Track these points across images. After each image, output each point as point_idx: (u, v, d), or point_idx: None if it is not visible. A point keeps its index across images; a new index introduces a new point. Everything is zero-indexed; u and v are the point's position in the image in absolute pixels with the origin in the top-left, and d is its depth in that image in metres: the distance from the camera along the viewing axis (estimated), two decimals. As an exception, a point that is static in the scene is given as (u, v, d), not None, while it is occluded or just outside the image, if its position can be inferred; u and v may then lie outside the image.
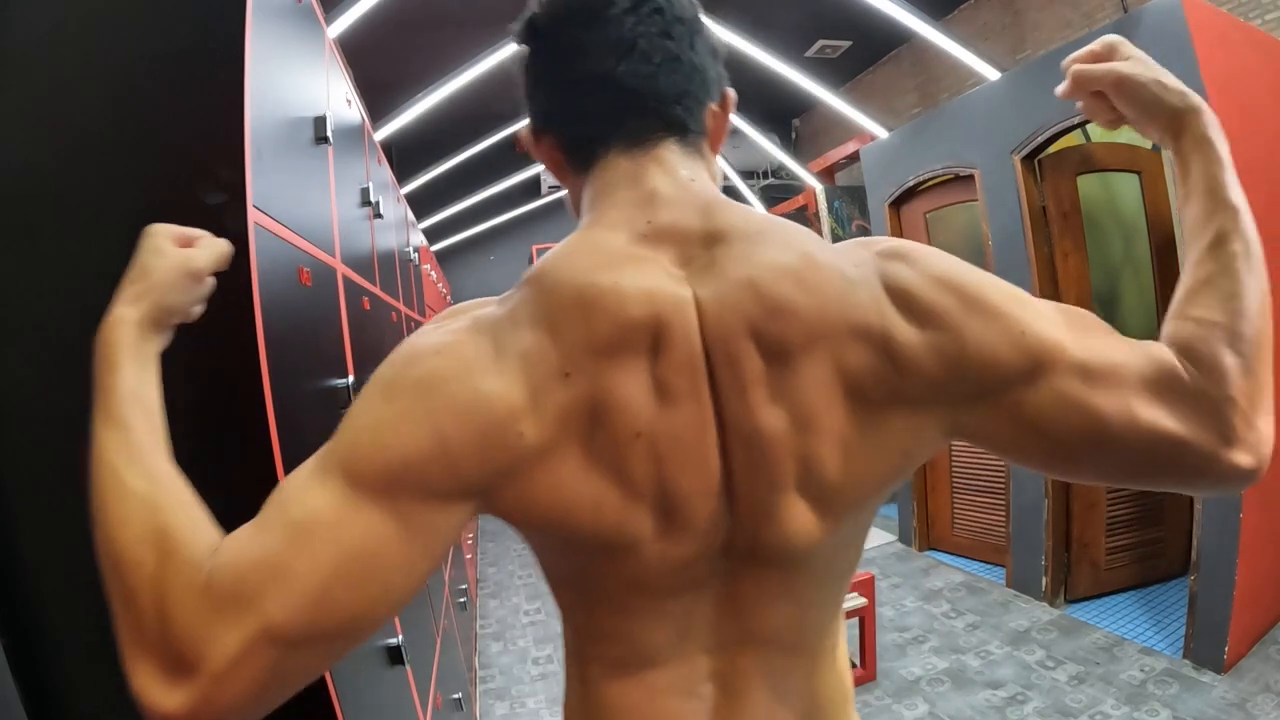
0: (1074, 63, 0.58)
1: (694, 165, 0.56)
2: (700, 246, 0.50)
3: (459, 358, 0.46)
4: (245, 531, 0.44)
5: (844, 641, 0.61)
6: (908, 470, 0.52)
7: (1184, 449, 0.46)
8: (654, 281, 0.48)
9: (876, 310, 0.48)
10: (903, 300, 0.48)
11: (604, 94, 0.54)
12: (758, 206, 4.47)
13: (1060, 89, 0.59)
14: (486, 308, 0.51)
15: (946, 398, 0.49)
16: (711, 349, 0.47)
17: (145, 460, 0.46)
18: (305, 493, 0.44)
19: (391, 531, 0.44)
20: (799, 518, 0.49)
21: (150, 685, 0.40)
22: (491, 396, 0.45)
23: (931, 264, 0.50)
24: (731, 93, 0.60)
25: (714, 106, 0.59)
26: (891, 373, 0.48)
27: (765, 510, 0.49)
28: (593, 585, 0.54)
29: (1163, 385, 0.46)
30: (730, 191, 3.93)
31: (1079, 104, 0.60)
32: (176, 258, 0.55)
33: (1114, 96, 0.57)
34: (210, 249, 0.58)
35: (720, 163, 0.63)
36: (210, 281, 0.59)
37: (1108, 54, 0.57)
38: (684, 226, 0.51)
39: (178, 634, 0.40)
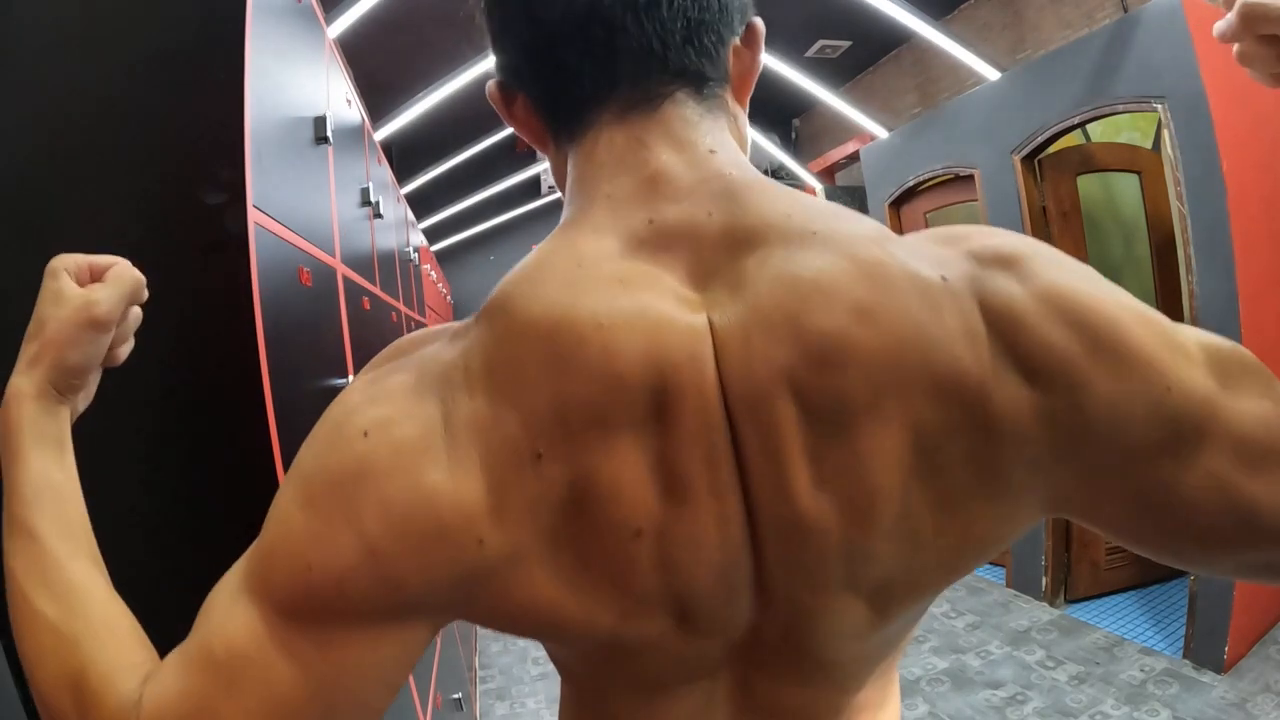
0: None
1: (715, 128, 0.42)
2: (723, 253, 0.37)
3: (394, 440, 0.35)
4: (171, 669, 0.37)
5: (891, 709, 0.50)
6: (987, 558, 0.39)
7: None
8: (651, 315, 0.35)
9: (972, 353, 0.34)
10: (1009, 339, 0.35)
11: (587, 35, 0.40)
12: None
13: (1221, 27, 0.39)
14: (435, 345, 0.39)
15: (1052, 473, 0.36)
16: (735, 408, 0.35)
17: (57, 576, 0.39)
18: (227, 619, 0.36)
19: (329, 667, 0.35)
20: (845, 616, 0.38)
21: None
22: (437, 496, 0.34)
23: (1049, 279, 0.36)
24: (759, 23, 0.45)
25: (737, 42, 0.44)
26: (982, 445, 0.35)
27: (804, 609, 0.38)
28: (602, 681, 0.46)
29: None
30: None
31: (1236, 49, 0.40)
32: (74, 304, 0.43)
33: None
34: (115, 285, 0.45)
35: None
36: (135, 314, 0.49)
37: None
38: (701, 226, 0.37)
39: None
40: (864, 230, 0.37)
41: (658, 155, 0.40)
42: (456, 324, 0.40)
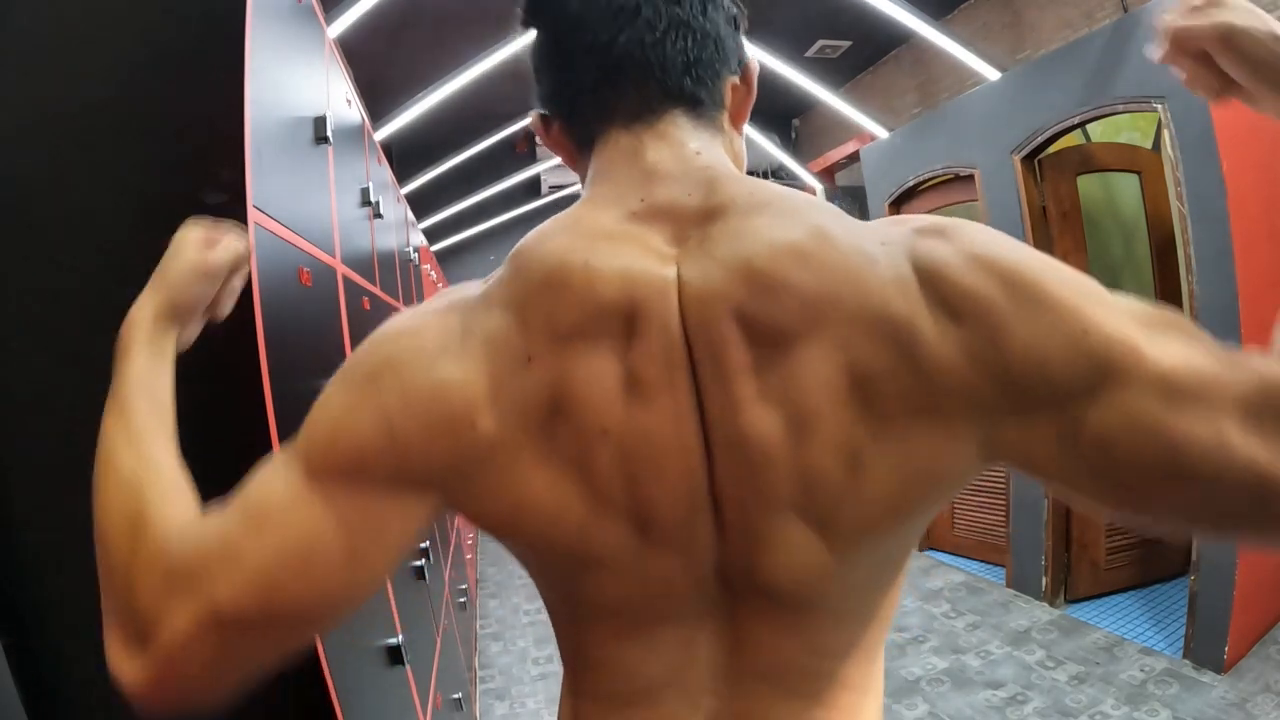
0: (1172, 19, 0.48)
1: (705, 139, 0.50)
2: (697, 224, 0.45)
3: (420, 341, 0.45)
4: (212, 515, 0.45)
5: (873, 698, 0.51)
6: (934, 498, 0.43)
7: None
8: (630, 261, 0.43)
9: (901, 295, 0.40)
10: (933, 284, 0.40)
11: (603, 66, 0.50)
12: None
13: (1155, 52, 0.48)
14: (470, 287, 0.49)
15: (983, 411, 0.40)
16: (693, 336, 0.42)
17: (140, 444, 0.48)
18: (266, 480, 0.45)
19: (339, 521, 0.43)
20: (799, 544, 0.42)
21: (117, 655, 0.42)
22: (447, 384, 0.43)
23: (975, 241, 0.41)
24: (754, 63, 0.54)
25: (734, 80, 0.53)
26: (913, 376, 0.40)
27: (758, 532, 0.43)
28: (577, 607, 0.50)
29: (1270, 409, 0.36)
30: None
31: (1177, 71, 0.49)
32: (191, 258, 0.57)
33: (1221, 56, 0.47)
34: (224, 250, 0.59)
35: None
36: (235, 285, 0.63)
37: (1207, 3, 0.47)
38: (681, 204, 0.46)
39: (139, 610, 0.42)
40: (814, 205, 0.45)
41: (653, 153, 0.49)
42: (473, 288, 0.49)
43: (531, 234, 0.47)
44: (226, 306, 0.63)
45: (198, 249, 0.58)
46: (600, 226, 0.45)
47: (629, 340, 0.42)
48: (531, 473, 0.43)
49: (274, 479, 0.44)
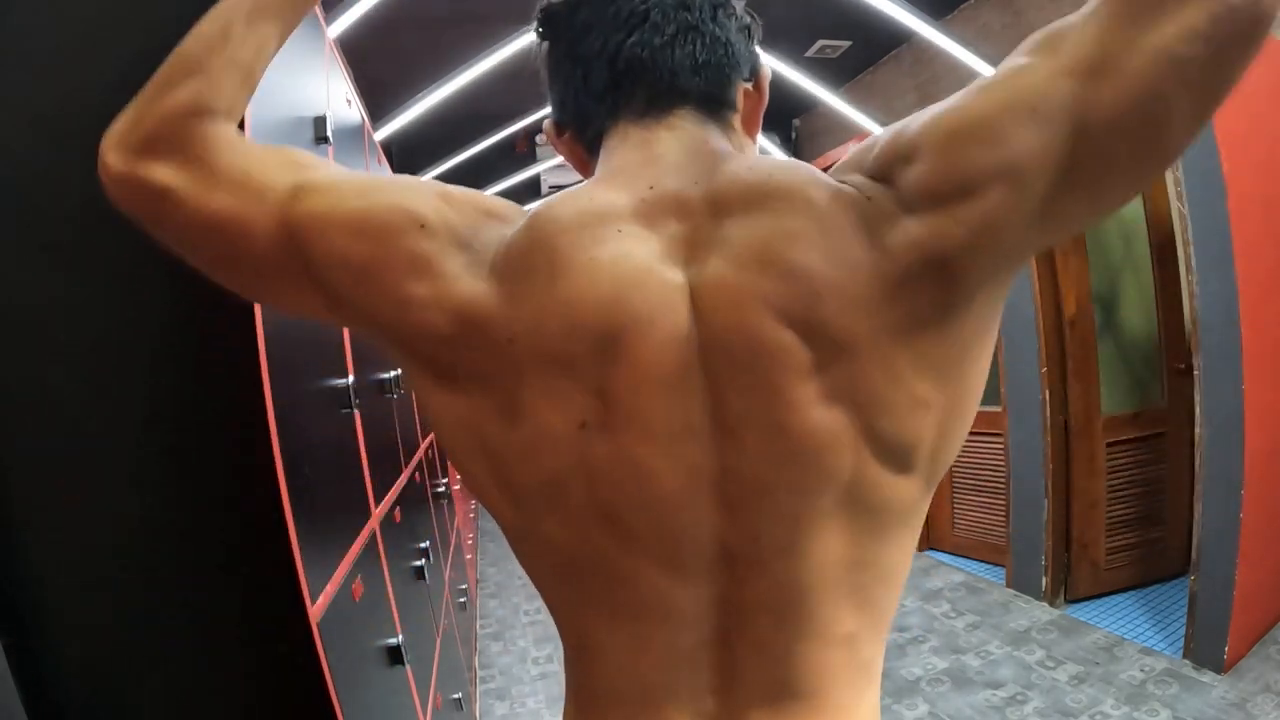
0: None
1: (715, 133, 0.51)
2: (707, 218, 0.45)
3: (428, 248, 0.45)
4: (233, 139, 0.48)
5: (871, 692, 0.51)
6: (986, 358, 0.47)
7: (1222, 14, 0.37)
8: (635, 264, 0.44)
9: (910, 244, 0.42)
10: (930, 198, 0.42)
11: (613, 70, 0.51)
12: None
13: None
14: (498, 227, 0.48)
15: (1011, 247, 0.43)
16: (713, 345, 0.43)
17: (256, 20, 0.49)
18: (276, 178, 0.47)
19: (269, 257, 0.46)
20: (833, 535, 0.45)
21: (113, 134, 0.48)
22: (419, 300, 0.45)
23: (926, 135, 0.43)
24: (767, 71, 0.56)
25: (746, 86, 0.54)
26: (948, 286, 0.42)
27: (782, 527, 0.44)
28: (566, 598, 0.50)
29: (1135, 5, 0.38)
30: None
31: None
32: None
33: None
34: None
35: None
36: None
37: None
38: (688, 195, 0.46)
39: (147, 129, 0.47)
40: (806, 176, 0.45)
41: (662, 142, 0.50)
42: (517, 211, 0.50)
43: (549, 200, 0.48)
44: None
45: None
46: (612, 215, 0.46)
47: (615, 350, 0.43)
48: (484, 425, 0.46)
49: (276, 183, 0.47)
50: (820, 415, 0.42)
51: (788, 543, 0.44)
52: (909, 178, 0.43)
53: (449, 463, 2.85)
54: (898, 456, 0.44)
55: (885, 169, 0.44)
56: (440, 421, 0.48)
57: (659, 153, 0.49)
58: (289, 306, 0.51)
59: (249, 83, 0.50)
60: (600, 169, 0.52)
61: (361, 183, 0.48)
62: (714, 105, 0.52)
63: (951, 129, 0.42)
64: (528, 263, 0.44)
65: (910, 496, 0.46)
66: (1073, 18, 0.41)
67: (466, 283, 0.45)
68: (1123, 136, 0.39)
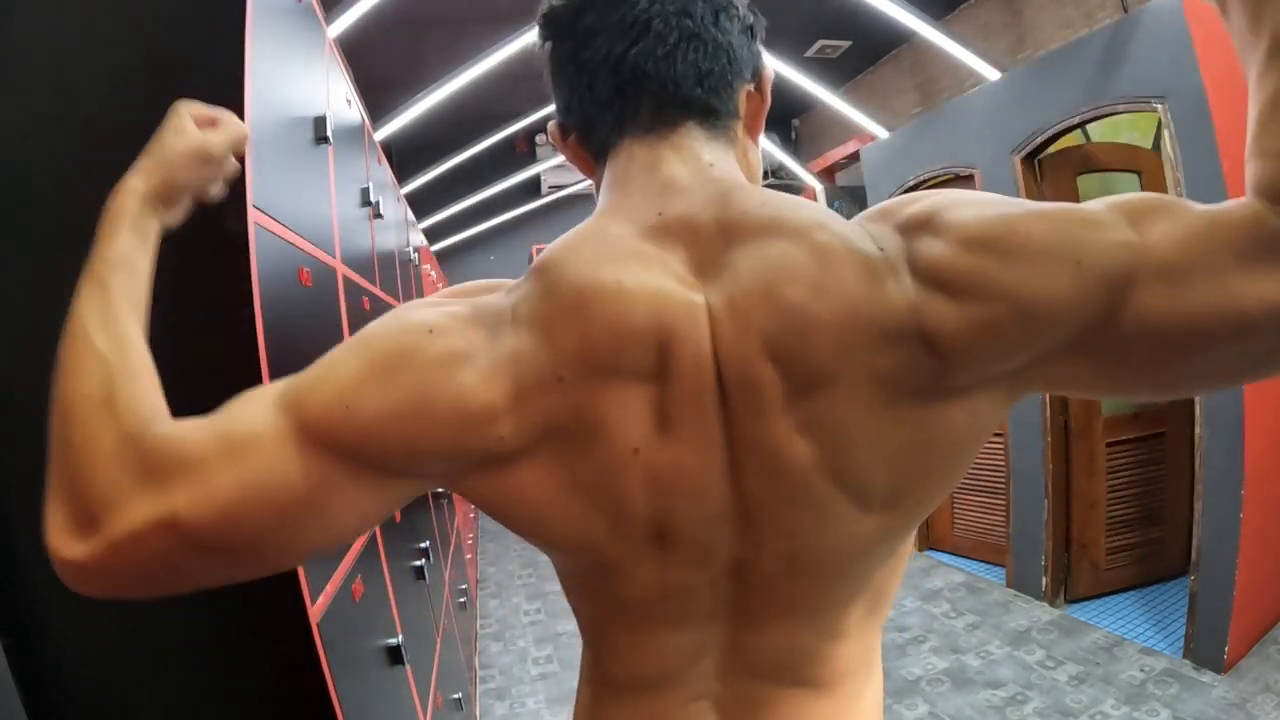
0: None
1: (719, 150, 0.52)
2: (716, 242, 0.45)
3: (450, 343, 0.44)
4: (191, 424, 0.44)
5: (874, 685, 0.55)
6: (971, 454, 0.46)
7: None
8: (660, 283, 0.44)
9: (907, 305, 0.42)
10: (936, 281, 0.42)
11: (617, 79, 0.51)
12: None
13: None
14: (493, 295, 0.48)
15: (1009, 369, 0.42)
16: (724, 365, 0.43)
17: (115, 322, 0.47)
18: (254, 415, 0.44)
19: (319, 483, 0.43)
20: (831, 522, 0.45)
21: (57, 532, 0.42)
22: (470, 392, 0.43)
23: (963, 225, 0.42)
24: (769, 72, 0.55)
25: (748, 88, 0.54)
26: (937, 365, 0.42)
27: (784, 526, 0.45)
28: (592, 597, 0.53)
29: (1260, 247, 0.37)
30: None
31: None
32: (192, 138, 0.56)
33: None
34: (226, 133, 0.58)
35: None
36: (232, 165, 0.61)
37: None
38: (698, 219, 0.46)
39: (94, 492, 0.41)
40: (819, 218, 0.45)
41: (669, 165, 0.50)
42: (510, 281, 0.49)
43: (558, 245, 0.47)
44: (218, 189, 0.61)
45: (197, 129, 0.56)
46: (624, 242, 0.46)
47: (661, 363, 0.43)
48: (551, 482, 0.45)
49: (262, 417, 0.43)
50: (797, 444, 0.43)
51: (786, 551, 0.46)
52: (927, 250, 0.42)
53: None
54: (856, 495, 0.44)
55: (912, 230, 0.44)
56: (517, 502, 0.46)
57: (666, 177, 0.49)
58: (365, 514, 0.46)
59: (148, 376, 0.47)
60: (606, 195, 0.52)
61: (341, 352, 0.45)
62: (717, 116, 0.52)
63: (988, 232, 0.41)
64: (555, 303, 0.44)
65: (869, 532, 0.46)
66: (1189, 204, 0.40)
67: (500, 342, 0.44)
68: (1150, 345, 0.39)
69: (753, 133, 0.56)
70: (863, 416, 0.42)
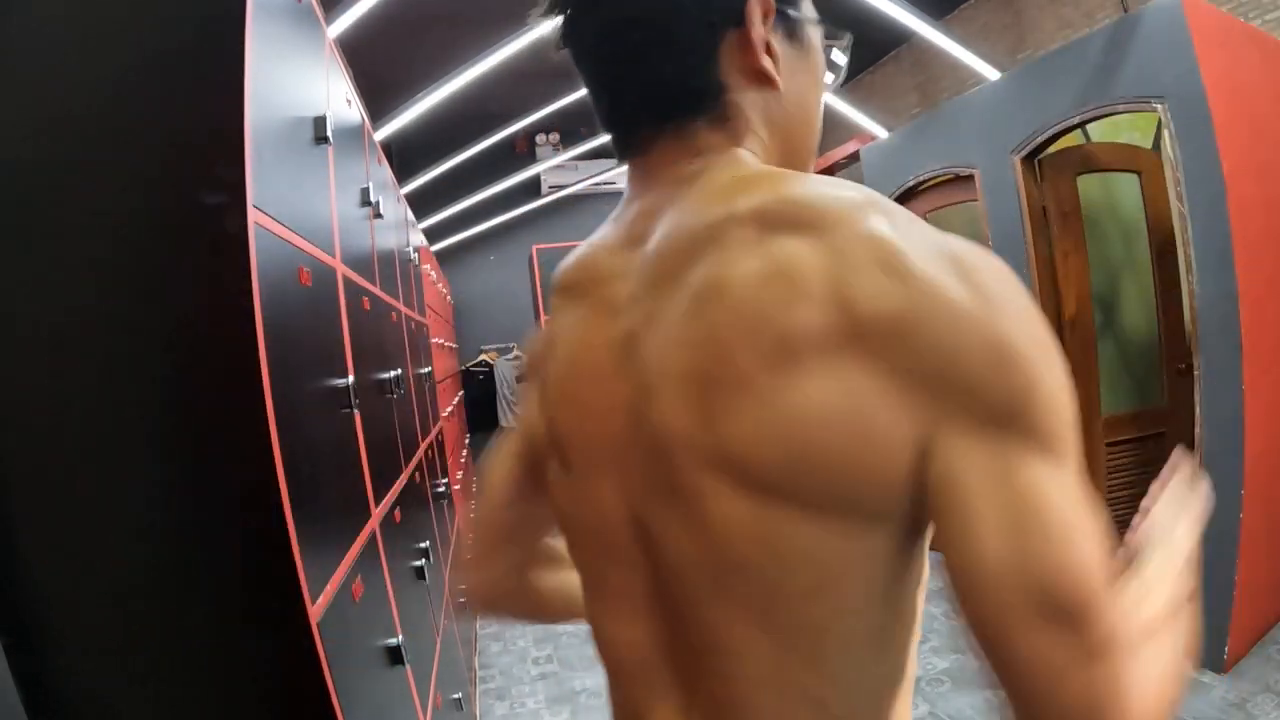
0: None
1: (694, 155, 0.49)
2: (650, 272, 0.47)
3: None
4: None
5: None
6: (860, 451, 0.40)
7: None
8: (593, 326, 0.51)
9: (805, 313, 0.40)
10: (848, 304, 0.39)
11: (598, 102, 0.53)
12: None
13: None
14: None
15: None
16: (639, 396, 0.46)
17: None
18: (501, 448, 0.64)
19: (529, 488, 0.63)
20: (709, 497, 0.43)
21: None
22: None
23: (874, 298, 0.39)
24: (750, 11, 0.47)
25: (731, 36, 0.47)
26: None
27: (680, 489, 0.45)
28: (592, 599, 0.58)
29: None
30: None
31: None
32: None
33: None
34: None
35: None
36: None
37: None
38: (630, 257, 0.50)
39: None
40: (733, 235, 0.43)
41: (639, 190, 0.53)
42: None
43: (563, 269, 0.57)
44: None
45: None
46: (596, 270, 0.53)
47: (592, 393, 0.50)
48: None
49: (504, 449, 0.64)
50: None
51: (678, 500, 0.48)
52: (811, 312, 0.39)
53: (447, 463, 2.85)
54: (742, 476, 0.42)
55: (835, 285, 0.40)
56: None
57: (628, 209, 0.53)
58: None
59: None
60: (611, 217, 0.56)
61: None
62: (693, 118, 0.49)
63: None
64: (542, 349, 0.57)
65: (747, 522, 0.43)
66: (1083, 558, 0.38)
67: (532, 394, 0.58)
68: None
69: (755, 77, 0.49)
70: (762, 402, 0.43)
